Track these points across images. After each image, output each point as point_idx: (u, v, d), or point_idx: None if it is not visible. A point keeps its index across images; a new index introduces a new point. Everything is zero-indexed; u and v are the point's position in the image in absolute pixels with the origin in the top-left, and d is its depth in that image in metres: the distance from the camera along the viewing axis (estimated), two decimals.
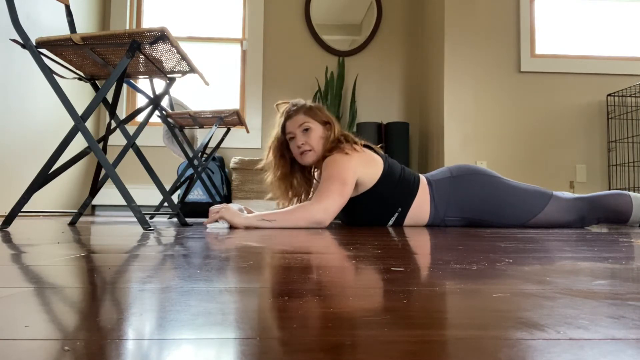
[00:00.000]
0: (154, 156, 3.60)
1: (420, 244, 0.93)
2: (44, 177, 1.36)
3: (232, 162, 3.46)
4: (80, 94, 3.29)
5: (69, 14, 1.58)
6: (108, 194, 3.39)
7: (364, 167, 1.62)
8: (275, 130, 1.75)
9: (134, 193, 1.59)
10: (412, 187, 1.68)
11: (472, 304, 0.36)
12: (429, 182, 1.72)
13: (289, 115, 1.70)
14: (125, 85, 2.87)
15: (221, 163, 3.58)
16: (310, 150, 1.66)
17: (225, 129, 2.64)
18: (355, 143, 1.68)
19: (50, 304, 0.35)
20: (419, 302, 0.36)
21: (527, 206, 1.67)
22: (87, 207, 1.76)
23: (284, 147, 1.73)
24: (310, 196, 1.77)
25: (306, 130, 1.67)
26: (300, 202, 1.77)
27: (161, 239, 0.99)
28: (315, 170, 1.80)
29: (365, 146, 1.71)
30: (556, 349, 0.24)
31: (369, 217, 1.70)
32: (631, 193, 1.67)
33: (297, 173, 1.76)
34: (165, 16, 3.94)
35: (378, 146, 1.76)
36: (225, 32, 3.94)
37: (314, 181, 1.79)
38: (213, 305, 0.34)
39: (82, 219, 2.40)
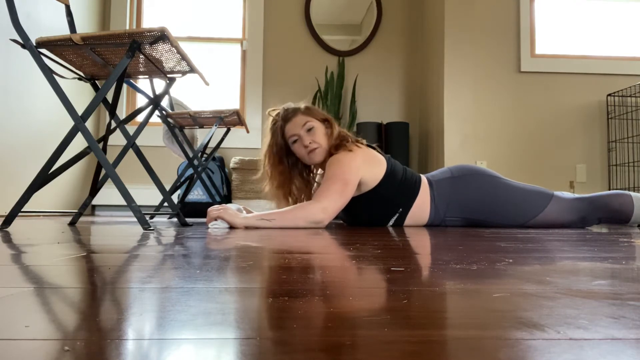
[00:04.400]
0: (154, 156, 3.60)
1: (420, 244, 0.93)
2: (44, 177, 1.36)
3: (232, 162, 3.46)
4: (80, 94, 3.29)
5: (69, 14, 1.58)
6: (108, 194, 3.39)
7: (368, 166, 1.62)
8: (269, 138, 1.72)
9: (134, 193, 1.59)
10: (413, 187, 1.68)
11: (472, 304, 0.36)
12: (430, 183, 1.72)
13: (287, 119, 1.67)
14: (125, 85, 2.87)
15: (221, 163, 3.58)
16: (317, 147, 1.64)
17: (225, 129, 2.64)
18: (358, 142, 1.68)
19: (50, 304, 0.35)
20: (419, 302, 0.36)
21: (528, 206, 1.67)
22: (87, 207, 1.76)
23: (283, 152, 1.70)
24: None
25: (310, 129, 1.65)
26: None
27: (161, 239, 0.99)
28: (318, 171, 1.80)
29: (368, 146, 1.71)
30: (556, 349, 0.24)
31: (369, 217, 1.70)
32: (632, 193, 1.67)
33: (295, 178, 1.73)
34: (165, 16, 3.94)
35: (375, 145, 1.76)
36: (225, 32, 3.94)
37: (315, 183, 1.79)
38: (213, 305, 0.34)
39: (82, 219, 2.40)
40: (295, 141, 1.67)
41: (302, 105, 1.72)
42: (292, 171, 1.72)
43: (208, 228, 1.43)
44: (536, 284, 0.44)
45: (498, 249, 0.80)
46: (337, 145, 1.63)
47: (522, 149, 3.36)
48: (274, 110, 1.76)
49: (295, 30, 3.90)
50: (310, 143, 1.64)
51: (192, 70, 1.60)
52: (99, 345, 0.24)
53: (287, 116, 1.68)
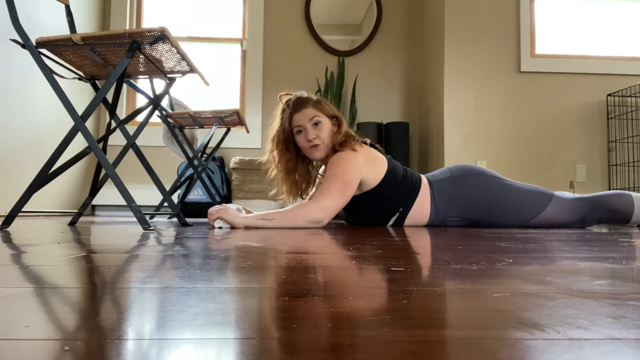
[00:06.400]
0: (154, 156, 3.60)
1: (420, 244, 0.93)
2: (44, 177, 1.36)
3: (232, 162, 3.46)
4: (80, 94, 3.29)
5: (69, 14, 1.58)
6: (108, 194, 3.38)
7: (369, 166, 1.62)
8: (278, 123, 1.71)
9: (134, 193, 1.59)
10: (413, 188, 1.68)
11: (472, 304, 0.36)
12: (430, 183, 1.72)
13: (296, 108, 1.65)
14: (125, 85, 2.86)
15: (221, 163, 3.58)
16: (320, 144, 1.63)
17: (225, 129, 2.64)
18: (364, 142, 1.68)
19: (50, 304, 0.35)
20: (419, 302, 0.36)
21: (528, 206, 1.67)
22: (87, 207, 1.76)
23: (290, 139, 1.69)
24: (311, 189, 1.77)
25: (316, 124, 1.63)
26: (302, 193, 1.76)
27: (161, 239, 0.99)
28: (320, 165, 1.80)
29: (371, 145, 1.71)
30: (556, 349, 0.24)
31: (369, 217, 1.70)
32: (632, 193, 1.67)
33: (299, 166, 1.73)
34: (165, 16, 3.94)
35: (378, 145, 1.76)
36: (225, 32, 3.94)
37: (318, 176, 1.78)
38: (213, 305, 0.34)
39: (82, 219, 2.40)
40: (299, 132, 1.65)
41: (314, 97, 1.70)
42: (297, 158, 1.72)
43: (213, 227, 1.44)
44: (536, 284, 0.44)
45: (498, 249, 0.80)
46: (342, 143, 1.62)
47: (522, 149, 3.36)
48: (285, 95, 1.74)
49: (295, 30, 3.90)
50: (314, 138, 1.62)
51: (192, 70, 1.60)
52: (99, 345, 0.24)
53: (297, 105, 1.66)
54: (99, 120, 3.79)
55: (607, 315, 0.32)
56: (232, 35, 3.93)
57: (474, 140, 3.29)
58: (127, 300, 0.36)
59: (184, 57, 1.50)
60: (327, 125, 1.65)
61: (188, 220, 1.90)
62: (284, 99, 1.73)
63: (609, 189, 3.36)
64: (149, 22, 3.95)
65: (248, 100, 3.82)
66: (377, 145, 1.74)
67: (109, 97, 3.06)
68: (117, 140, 3.25)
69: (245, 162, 3.42)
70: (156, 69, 1.58)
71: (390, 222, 1.70)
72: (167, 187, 3.36)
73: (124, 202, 1.40)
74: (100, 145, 1.65)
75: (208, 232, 1.23)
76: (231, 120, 2.46)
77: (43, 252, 0.71)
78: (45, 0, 2.90)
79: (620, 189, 3.28)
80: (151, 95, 1.77)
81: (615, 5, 3.62)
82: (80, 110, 1.40)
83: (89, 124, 3.46)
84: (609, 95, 3.37)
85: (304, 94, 1.71)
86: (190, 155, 2.33)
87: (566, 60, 3.42)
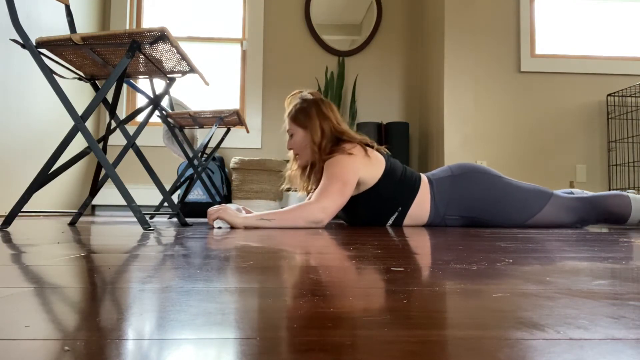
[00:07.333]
0: (154, 156, 3.60)
1: (420, 244, 0.93)
2: (44, 177, 1.36)
3: (232, 162, 3.46)
4: (80, 94, 3.29)
5: (69, 14, 1.58)
6: (108, 194, 3.39)
7: (366, 166, 1.62)
8: None
9: (134, 193, 1.59)
10: (412, 186, 1.68)
11: (472, 304, 0.36)
12: (430, 181, 1.72)
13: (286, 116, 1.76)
14: (125, 85, 2.87)
15: (221, 163, 3.58)
16: (298, 154, 1.71)
17: (225, 129, 2.64)
18: (369, 145, 1.68)
19: (50, 304, 0.35)
20: (419, 302, 0.36)
21: (527, 205, 1.67)
22: (87, 207, 1.76)
23: None
24: (312, 190, 1.77)
25: (291, 135, 1.72)
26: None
27: (161, 239, 0.99)
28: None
29: (368, 145, 1.70)
30: (556, 349, 0.24)
31: (368, 216, 1.70)
32: (630, 194, 1.67)
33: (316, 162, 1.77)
34: (165, 16, 3.94)
35: (383, 147, 1.75)
36: (225, 32, 3.94)
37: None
38: (213, 305, 0.34)
39: (82, 219, 2.40)
40: None
41: (297, 107, 1.71)
42: None
43: (212, 227, 1.44)
44: (536, 284, 0.44)
45: (498, 249, 0.80)
46: (331, 152, 1.63)
47: (522, 149, 3.36)
48: (295, 94, 1.79)
49: (295, 30, 3.90)
50: (290, 149, 1.73)
51: (192, 70, 1.60)
52: (99, 345, 0.24)
53: (286, 113, 1.75)
54: (99, 120, 3.79)
55: (607, 315, 0.32)
56: (232, 35, 3.93)
57: (474, 140, 3.29)
58: (127, 300, 0.36)
59: (184, 57, 1.50)
60: (298, 136, 1.70)
61: (188, 220, 1.90)
62: (288, 102, 1.78)
63: (609, 189, 3.36)
64: (149, 22, 3.95)
65: (248, 100, 3.82)
66: (381, 148, 1.73)
67: (109, 97, 3.07)
68: (117, 140, 3.25)
69: (245, 162, 3.42)
70: (156, 69, 1.58)
71: (390, 222, 1.70)
72: (167, 187, 3.36)
73: (124, 202, 1.41)
74: (100, 145, 1.65)
75: (208, 232, 1.23)
76: (231, 120, 2.46)
77: (43, 252, 0.71)
78: (45, 0, 2.90)
79: (621, 189, 3.29)
80: (151, 95, 1.77)
81: (615, 5, 3.62)
82: (80, 110, 1.40)
83: (89, 124, 3.46)
84: (609, 95, 3.37)
85: (304, 95, 1.73)
86: (190, 155, 2.33)
87: (566, 60, 3.42)
